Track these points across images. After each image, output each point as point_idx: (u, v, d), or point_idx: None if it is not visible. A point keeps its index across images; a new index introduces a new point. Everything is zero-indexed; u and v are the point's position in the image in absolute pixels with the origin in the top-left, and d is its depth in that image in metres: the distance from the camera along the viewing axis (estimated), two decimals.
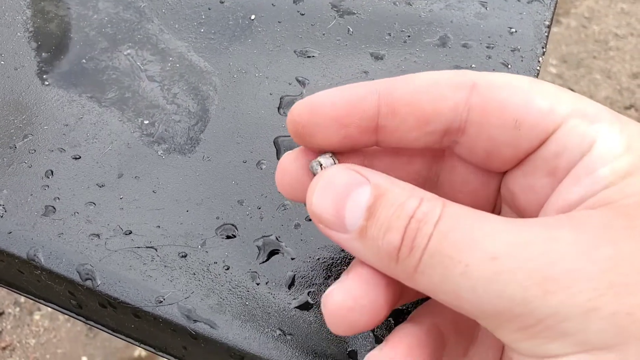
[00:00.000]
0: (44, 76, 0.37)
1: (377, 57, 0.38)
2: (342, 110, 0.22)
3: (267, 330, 0.27)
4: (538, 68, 0.39)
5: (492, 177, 0.25)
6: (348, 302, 0.21)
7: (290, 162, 0.25)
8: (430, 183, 0.26)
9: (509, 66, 0.38)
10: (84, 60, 0.38)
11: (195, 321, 0.27)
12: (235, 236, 0.30)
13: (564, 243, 0.18)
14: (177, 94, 0.36)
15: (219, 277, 0.29)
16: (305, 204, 0.23)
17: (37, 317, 1.24)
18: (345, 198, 0.21)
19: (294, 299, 0.28)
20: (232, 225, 0.31)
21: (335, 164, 0.23)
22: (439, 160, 0.26)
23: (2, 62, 0.38)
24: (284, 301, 0.28)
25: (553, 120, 0.21)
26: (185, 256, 0.29)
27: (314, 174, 0.23)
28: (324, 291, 0.22)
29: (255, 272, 0.29)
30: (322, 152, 0.24)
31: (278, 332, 0.27)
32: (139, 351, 1.18)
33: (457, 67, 0.38)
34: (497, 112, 0.22)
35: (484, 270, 0.18)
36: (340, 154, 0.24)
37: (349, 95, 0.23)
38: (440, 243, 0.19)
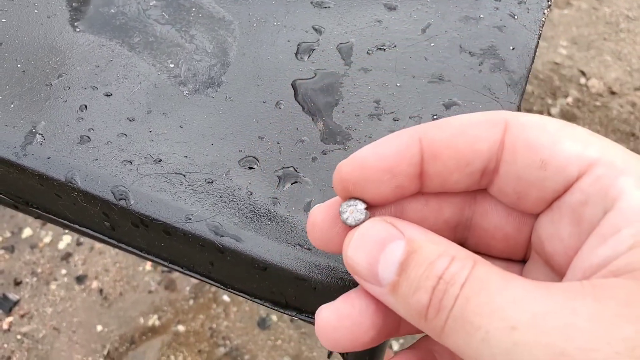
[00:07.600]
0: (75, 24, 0.39)
1: (390, 8, 0.40)
2: (391, 160, 0.23)
3: (287, 244, 0.30)
4: (543, 19, 0.40)
5: (524, 223, 0.25)
6: (332, 321, 0.23)
7: (320, 215, 0.25)
8: (462, 228, 0.26)
9: (516, 17, 0.40)
10: (112, 10, 0.40)
11: (222, 236, 0.30)
12: (256, 167, 0.33)
13: (583, 318, 0.18)
14: (202, 39, 0.39)
15: (243, 201, 0.31)
16: (336, 253, 0.25)
17: (53, 286, 1.28)
18: (379, 252, 0.22)
19: None
20: (254, 157, 0.33)
21: (365, 210, 0.23)
22: (471, 205, 0.25)
23: (36, 11, 0.40)
24: (302, 222, 0.30)
25: (579, 165, 0.21)
26: (211, 182, 0.32)
27: (344, 222, 0.24)
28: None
29: (276, 198, 0.31)
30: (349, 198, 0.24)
31: (297, 246, 0.29)
32: (153, 320, 1.21)
33: (467, 18, 0.40)
34: (525, 151, 0.22)
35: (503, 340, 0.18)
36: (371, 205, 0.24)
37: (394, 145, 0.23)
38: (464, 308, 0.19)
